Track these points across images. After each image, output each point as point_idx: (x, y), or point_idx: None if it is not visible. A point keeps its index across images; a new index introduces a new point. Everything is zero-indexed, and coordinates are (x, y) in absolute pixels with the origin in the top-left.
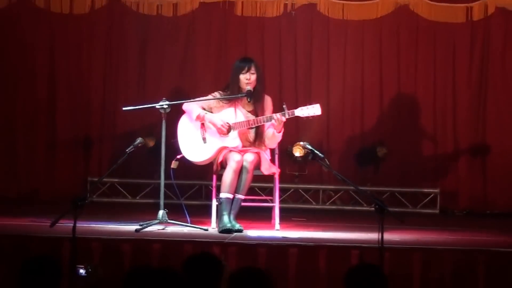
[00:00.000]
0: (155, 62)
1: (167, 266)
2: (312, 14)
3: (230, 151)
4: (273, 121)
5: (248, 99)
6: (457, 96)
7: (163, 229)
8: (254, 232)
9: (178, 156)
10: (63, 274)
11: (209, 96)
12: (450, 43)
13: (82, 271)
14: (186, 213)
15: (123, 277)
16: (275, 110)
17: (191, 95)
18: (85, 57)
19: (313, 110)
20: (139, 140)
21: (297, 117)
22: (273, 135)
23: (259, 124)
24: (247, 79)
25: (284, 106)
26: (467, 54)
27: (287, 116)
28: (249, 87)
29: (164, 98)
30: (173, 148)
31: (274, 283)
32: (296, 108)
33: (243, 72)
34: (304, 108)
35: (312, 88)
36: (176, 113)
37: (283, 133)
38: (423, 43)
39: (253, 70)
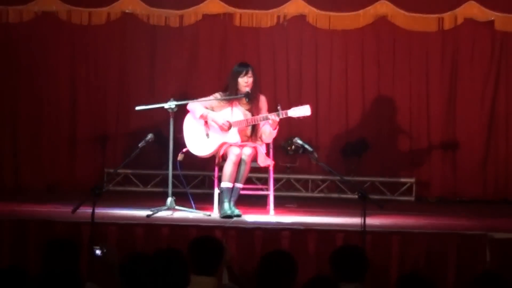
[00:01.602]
0: (163, 67)
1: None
2: (302, 25)
3: (230, 145)
4: (269, 120)
5: (246, 99)
6: (430, 97)
7: (171, 214)
8: (251, 217)
9: (184, 150)
10: (82, 255)
11: (211, 97)
12: (424, 50)
13: (98, 251)
14: (191, 200)
15: (120, 264)
16: (270, 110)
17: (195, 96)
18: (102, 63)
19: (304, 110)
20: (149, 136)
21: (290, 116)
22: (269, 132)
23: (256, 123)
24: (245, 82)
25: (278, 107)
26: (439, 59)
27: (281, 116)
28: (247, 89)
29: (171, 99)
30: (180, 143)
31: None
32: (288, 109)
33: (242, 75)
34: (295, 108)
35: (302, 90)
36: (182, 112)
37: (278, 130)
38: (400, 50)
39: (250, 74)
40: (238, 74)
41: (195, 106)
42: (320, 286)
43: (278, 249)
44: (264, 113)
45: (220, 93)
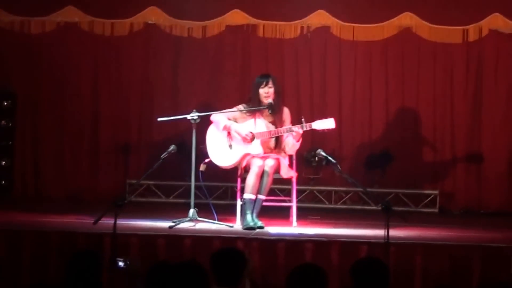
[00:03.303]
0: (186, 78)
1: (190, 260)
2: (326, 36)
3: (253, 157)
4: (292, 132)
5: (269, 110)
6: (454, 108)
7: (194, 225)
8: (274, 229)
9: (206, 160)
10: (104, 266)
11: (234, 108)
12: (448, 62)
13: (121, 263)
14: (214, 211)
15: (145, 273)
16: (293, 121)
17: (218, 107)
18: (124, 74)
19: (328, 123)
20: (172, 147)
21: (314, 129)
22: (292, 144)
23: (280, 134)
24: (266, 92)
25: (302, 119)
26: (463, 71)
27: (304, 129)
28: (269, 100)
29: (194, 110)
30: (202, 154)
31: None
32: (312, 121)
33: (262, 86)
34: (320, 121)
35: (326, 101)
36: (205, 123)
37: (301, 142)
38: (424, 61)
39: (270, 84)
40: (259, 85)
41: (219, 118)
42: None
43: (308, 263)
44: (287, 125)
45: (244, 105)
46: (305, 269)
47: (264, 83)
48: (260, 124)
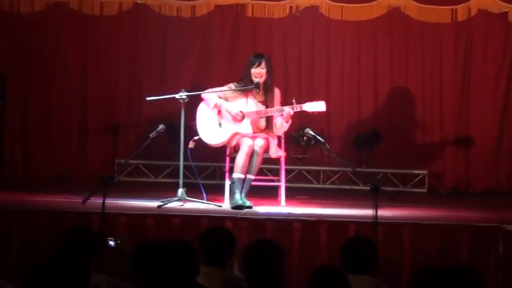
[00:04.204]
0: (175, 57)
1: (180, 239)
2: (315, 15)
3: (243, 136)
4: (283, 112)
5: (257, 90)
6: (443, 89)
7: (182, 205)
8: (263, 208)
9: (195, 138)
10: (97, 245)
11: (225, 87)
12: (437, 42)
13: (111, 242)
14: (203, 191)
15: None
16: (282, 103)
17: (207, 87)
18: (113, 53)
19: (319, 106)
20: (161, 126)
21: (304, 110)
22: (281, 125)
23: (270, 115)
24: (257, 73)
25: (293, 100)
26: (452, 51)
27: (295, 110)
28: (257, 80)
29: (183, 89)
30: (191, 133)
31: (283, 255)
32: (302, 102)
33: (254, 66)
34: (311, 103)
35: (314, 81)
36: (194, 102)
37: (290, 123)
38: (413, 42)
39: (263, 65)
40: (251, 65)
41: (210, 95)
42: (329, 276)
43: (263, 239)
44: (277, 105)
45: (235, 83)
46: (260, 244)
47: (257, 63)
48: (251, 104)
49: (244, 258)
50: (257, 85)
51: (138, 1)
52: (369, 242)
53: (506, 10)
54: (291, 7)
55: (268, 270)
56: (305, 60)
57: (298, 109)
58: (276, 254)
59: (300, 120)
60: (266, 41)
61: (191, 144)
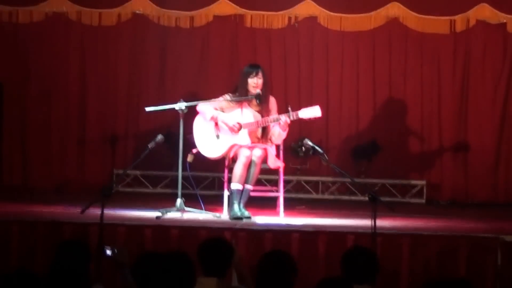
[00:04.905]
0: (173, 68)
1: (177, 251)
2: (313, 26)
3: (240, 147)
4: (280, 121)
5: (257, 101)
6: (442, 99)
7: (181, 216)
8: (261, 219)
9: (194, 151)
10: (92, 256)
11: (221, 98)
12: (435, 52)
13: (108, 252)
14: (201, 201)
15: (133, 263)
16: (280, 111)
17: (205, 97)
18: (112, 64)
19: (314, 111)
20: (159, 137)
21: (301, 118)
22: (279, 134)
23: (267, 124)
24: (255, 83)
25: (289, 108)
26: (450, 62)
27: (291, 118)
28: (257, 90)
29: (181, 100)
30: (189, 143)
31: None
32: (299, 110)
33: (251, 76)
34: (305, 110)
35: (313, 91)
36: (192, 113)
37: (288, 132)
38: (411, 52)
39: (260, 75)
40: (248, 75)
41: (205, 108)
42: (335, 287)
43: (277, 250)
44: (273, 114)
45: (230, 94)
46: (274, 255)
47: (254, 73)
48: (247, 114)
49: (257, 269)
50: (258, 96)
51: (137, 12)
52: (370, 252)
53: (505, 21)
54: (289, 18)
55: (281, 282)
56: (304, 71)
57: (295, 117)
58: (290, 266)
59: (300, 130)
60: (265, 52)
61: (189, 158)
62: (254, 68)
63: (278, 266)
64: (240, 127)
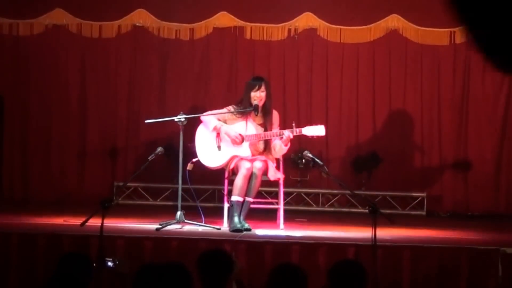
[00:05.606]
0: (173, 80)
1: (177, 262)
2: (313, 38)
3: (241, 159)
4: (282, 136)
5: (256, 112)
6: (442, 111)
7: (181, 228)
8: (261, 231)
9: (194, 160)
10: (93, 269)
11: (224, 110)
12: (435, 64)
13: (110, 263)
14: (201, 213)
15: (134, 275)
16: (281, 125)
17: (205, 109)
18: (112, 76)
19: (318, 130)
20: (159, 149)
21: (304, 134)
22: (280, 148)
23: (269, 138)
24: (257, 96)
25: (293, 124)
26: (450, 73)
27: (295, 134)
28: (256, 102)
29: (181, 112)
30: (189, 154)
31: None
32: (301, 124)
33: (254, 90)
34: (310, 128)
35: (312, 103)
36: (192, 125)
37: (289, 147)
38: (411, 64)
39: (263, 88)
40: (251, 88)
41: (209, 118)
42: None
43: (288, 262)
44: (275, 128)
45: (234, 106)
46: (284, 269)
47: (257, 86)
48: (251, 127)
49: (268, 281)
50: (255, 108)
51: (137, 24)
52: (357, 265)
53: None
54: (289, 30)
55: None
56: (304, 82)
57: (298, 133)
58: (301, 280)
59: (300, 141)
60: (265, 63)
61: (189, 166)
62: (257, 81)
63: (291, 280)
64: (243, 139)
